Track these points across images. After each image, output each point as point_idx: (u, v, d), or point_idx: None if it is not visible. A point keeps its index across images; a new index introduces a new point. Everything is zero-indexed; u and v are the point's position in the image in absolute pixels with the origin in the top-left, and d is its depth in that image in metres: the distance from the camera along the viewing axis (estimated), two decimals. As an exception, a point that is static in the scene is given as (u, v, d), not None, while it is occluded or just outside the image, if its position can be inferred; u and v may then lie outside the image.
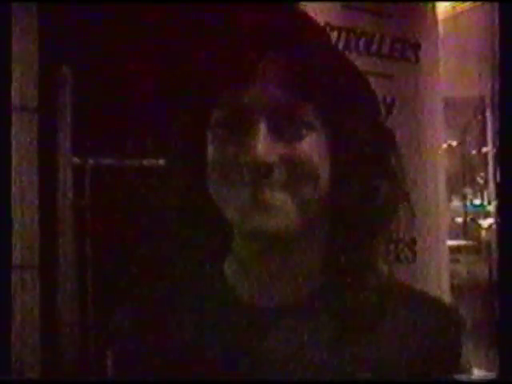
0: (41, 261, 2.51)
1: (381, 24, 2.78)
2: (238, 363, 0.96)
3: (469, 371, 4.40)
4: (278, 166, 0.91)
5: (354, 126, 0.95)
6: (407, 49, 2.87)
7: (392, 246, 2.76)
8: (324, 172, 0.94)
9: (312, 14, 2.71)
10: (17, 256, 1.83)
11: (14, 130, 1.68)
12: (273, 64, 0.91)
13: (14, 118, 1.67)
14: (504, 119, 1.38)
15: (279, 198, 0.91)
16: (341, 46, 2.63)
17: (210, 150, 0.94)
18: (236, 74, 0.91)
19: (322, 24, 2.57)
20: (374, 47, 2.75)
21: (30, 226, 2.15)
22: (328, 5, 2.61)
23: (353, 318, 0.96)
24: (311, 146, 0.92)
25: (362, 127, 0.96)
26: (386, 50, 2.79)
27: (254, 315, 0.97)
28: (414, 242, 2.83)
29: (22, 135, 2.09)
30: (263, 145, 0.89)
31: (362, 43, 2.71)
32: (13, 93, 1.58)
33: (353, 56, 2.66)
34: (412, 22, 2.89)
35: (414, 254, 2.83)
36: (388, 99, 2.77)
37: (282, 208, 0.92)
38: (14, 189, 1.79)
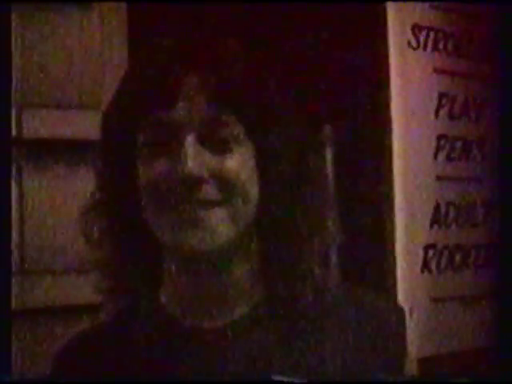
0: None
1: (469, 25, 2.74)
2: None
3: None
4: (207, 181, 0.91)
5: (280, 140, 0.96)
6: (496, 50, 2.82)
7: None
8: (253, 186, 0.94)
9: (400, 15, 2.68)
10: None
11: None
12: (197, 81, 0.91)
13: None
14: None
15: (210, 214, 0.91)
16: (429, 46, 2.61)
17: (140, 172, 0.94)
18: (159, 93, 0.91)
19: (410, 24, 2.55)
20: (464, 48, 2.72)
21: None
22: (415, 5, 2.59)
23: (297, 325, 0.96)
24: (240, 159, 0.92)
25: (287, 141, 0.97)
26: (475, 51, 2.75)
27: (198, 338, 0.96)
28: None
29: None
30: (191, 159, 0.89)
31: (450, 44, 2.68)
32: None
33: (442, 57, 2.64)
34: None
35: None
36: (478, 100, 2.74)
37: (214, 224, 0.91)
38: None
